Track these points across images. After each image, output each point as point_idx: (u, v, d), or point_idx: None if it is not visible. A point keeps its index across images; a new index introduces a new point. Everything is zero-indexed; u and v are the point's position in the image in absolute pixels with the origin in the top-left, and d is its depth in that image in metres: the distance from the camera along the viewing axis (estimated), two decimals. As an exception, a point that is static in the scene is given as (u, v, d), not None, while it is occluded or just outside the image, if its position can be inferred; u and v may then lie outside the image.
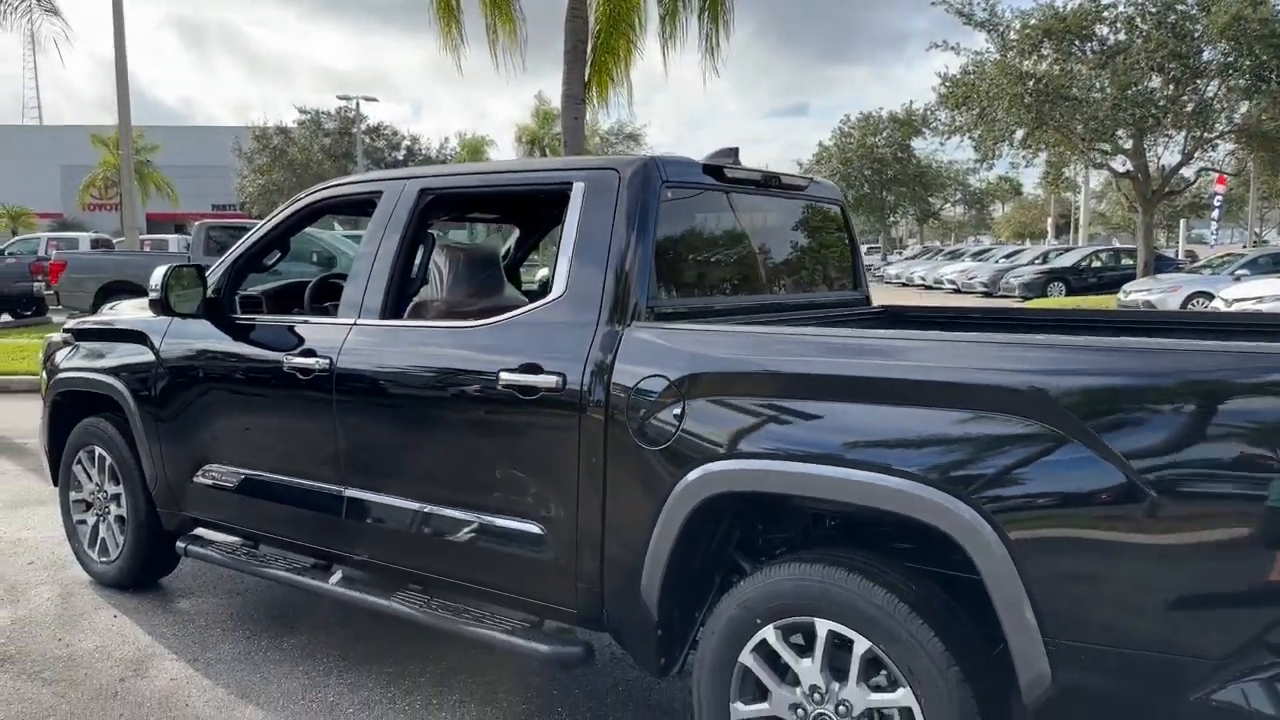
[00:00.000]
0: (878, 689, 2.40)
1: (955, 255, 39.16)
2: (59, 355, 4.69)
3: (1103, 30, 22.01)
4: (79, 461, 4.59)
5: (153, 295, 3.85)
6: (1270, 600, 1.94)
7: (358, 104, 42.76)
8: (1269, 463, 1.93)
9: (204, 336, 3.97)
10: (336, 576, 3.62)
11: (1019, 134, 23.28)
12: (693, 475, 2.62)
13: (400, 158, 56.96)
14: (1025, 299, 25.58)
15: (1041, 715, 2.17)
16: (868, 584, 2.38)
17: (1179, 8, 20.90)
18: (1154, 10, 20.92)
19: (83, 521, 4.63)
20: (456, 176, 3.74)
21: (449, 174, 3.80)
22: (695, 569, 2.77)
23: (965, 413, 2.25)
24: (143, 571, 4.48)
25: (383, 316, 3.46)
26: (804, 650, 2.51)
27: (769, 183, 3.57)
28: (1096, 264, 27.46)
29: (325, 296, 4.36)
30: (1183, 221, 41.60)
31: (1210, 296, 17.66)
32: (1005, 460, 2.18)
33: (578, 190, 3.11)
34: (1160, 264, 25.70)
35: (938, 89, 24.20)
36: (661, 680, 3.06)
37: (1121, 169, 24.11)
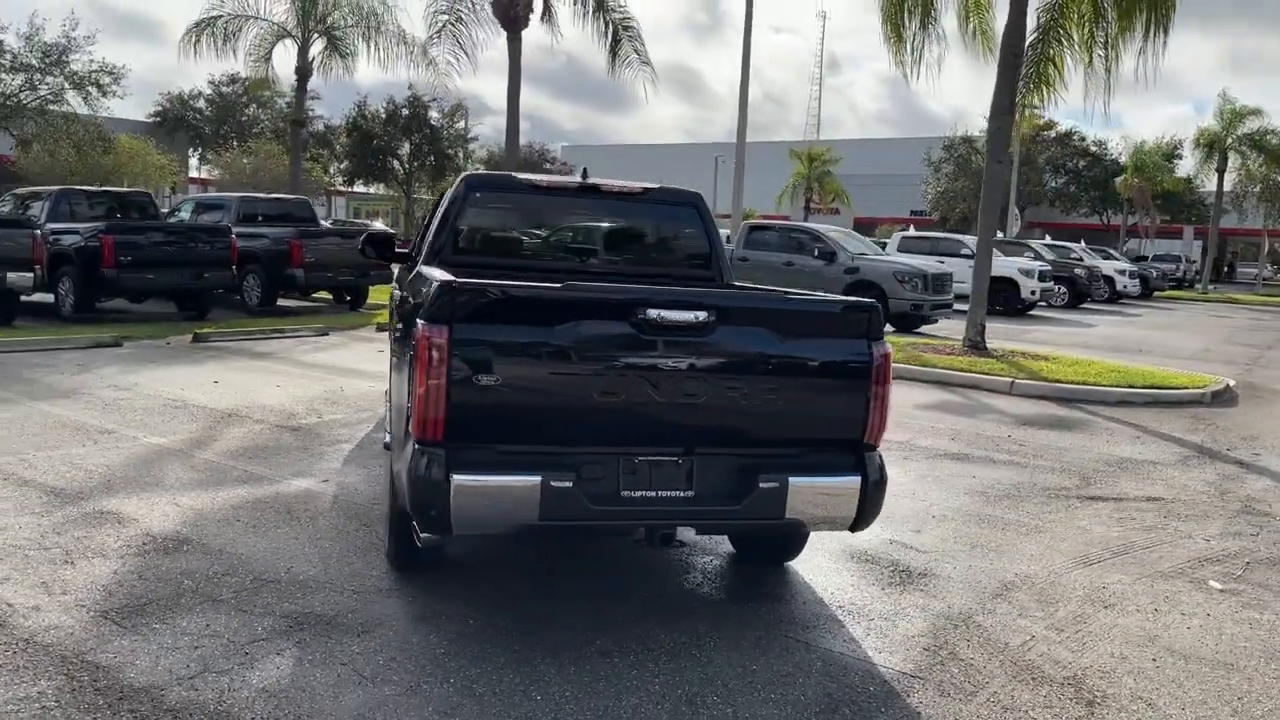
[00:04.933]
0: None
1: None
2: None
3: None
4: (400, 356, 8.14)
5: (359, 247, 7.14)
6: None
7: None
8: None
9: (398, 275, 7.13)
10: (397, 409, 6.51)
11: None
12: (404, 343, 4.94)
13: (1084, 165, 55.49)
14: None
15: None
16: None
17: None
18: None
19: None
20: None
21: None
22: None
23: None
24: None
25: (424, 264, 6.22)
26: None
27: (586, 190, 5.46)
28: None
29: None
30: None
31: None
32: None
33: (448, 194, 5.51)
34: None
35: None
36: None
37: None
